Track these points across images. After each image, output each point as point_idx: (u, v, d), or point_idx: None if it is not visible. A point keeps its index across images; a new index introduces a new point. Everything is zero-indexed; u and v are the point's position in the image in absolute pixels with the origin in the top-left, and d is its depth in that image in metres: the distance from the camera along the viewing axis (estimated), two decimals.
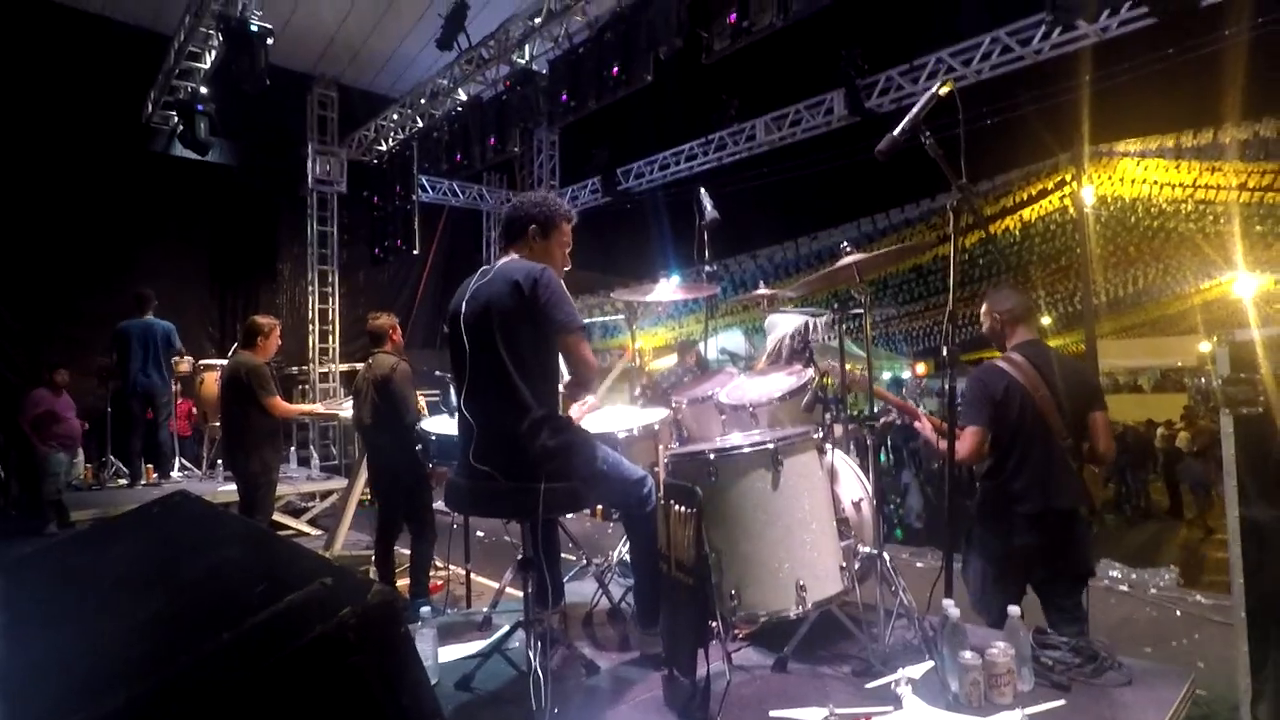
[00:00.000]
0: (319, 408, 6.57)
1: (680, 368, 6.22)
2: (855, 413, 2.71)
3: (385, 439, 4.19)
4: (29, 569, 1.65)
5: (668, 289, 3.40)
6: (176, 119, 8.44)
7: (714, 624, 2.22)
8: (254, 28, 6.77)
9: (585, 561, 3.52)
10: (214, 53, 7.70)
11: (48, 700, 1.05)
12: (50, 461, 6.87)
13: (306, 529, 6.71)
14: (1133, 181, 10.91)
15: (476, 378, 2.25)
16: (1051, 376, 2.65)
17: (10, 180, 7.78)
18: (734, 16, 5.87)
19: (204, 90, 8.10)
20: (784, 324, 3.32)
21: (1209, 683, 2.81)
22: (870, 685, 2.13)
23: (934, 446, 2.86)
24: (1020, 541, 2.61)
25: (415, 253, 10.14)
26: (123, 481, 6.92)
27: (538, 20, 7.31)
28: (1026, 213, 11.99)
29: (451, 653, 2.59)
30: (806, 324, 3.17)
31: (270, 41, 6.90)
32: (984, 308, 2.89)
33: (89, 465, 7.29)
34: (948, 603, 2.10)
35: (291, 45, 8.88)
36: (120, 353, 6.52)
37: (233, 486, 5.05)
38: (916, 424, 2.93)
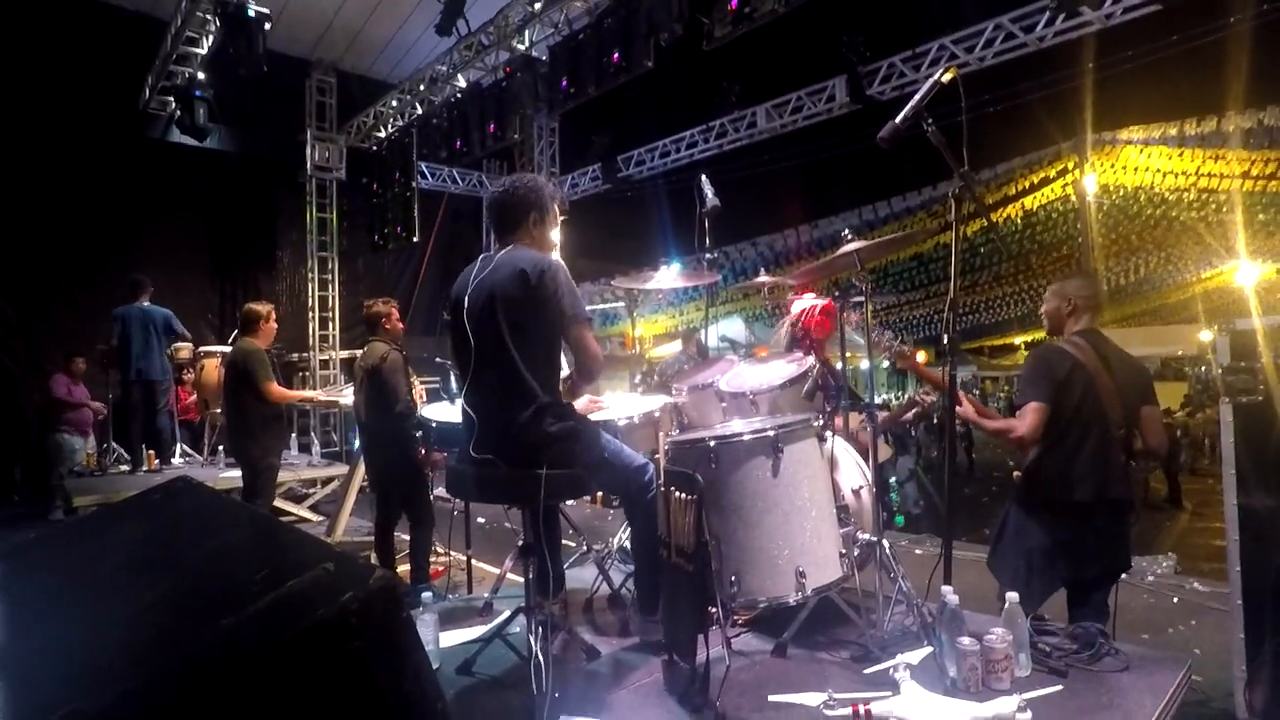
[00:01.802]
0: (319, 394, 6.57)
1: (683, 355, 6.22)
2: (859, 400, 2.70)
3: (378, 428, 4.20)
4: (33, 554, 1.65)
5: (668, 276, 3.40)
6: (174, 105, 8.38)
7: (714, 610, 2.23)
8: (251, 12, 6.71)
9: (586, 548, 3.54)
10: (211, 38, 7.63)
11: (51, 686, 1.05)
12: (64, 446, 6.87)
13: (308, 515, 6.73)
14: (1135, 169, 10.85)
15: (480, 366, 2.25)
16: (1112, 365, 2.60)
17: (6, 167, 7.73)
18: (735, 2, 5.83)
19: (201, 76, 8.03)
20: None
21: (1205, 669, 2.83)
22: (869, 671, 2.15)
23: (984, 429, 2.82)
24: (1070, 535, 2.55)
25: (415, 240, 10.11)
26: (124, 468, 6.93)
27: (537, 6, 7.25)
28: (1028, 201, 11.94)
29: (453, 638, 2.60)
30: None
31: (268, 26, 6.84)
32: (1054, 289, 2.82)
33: (90, 452, 7.30)
34: (946, 589, 2.10)
35: (289, 30, 8.79)
36: (119, 339, 6.52)
37: (235, 473, 5.06)
38: (957, 407, 2.87)
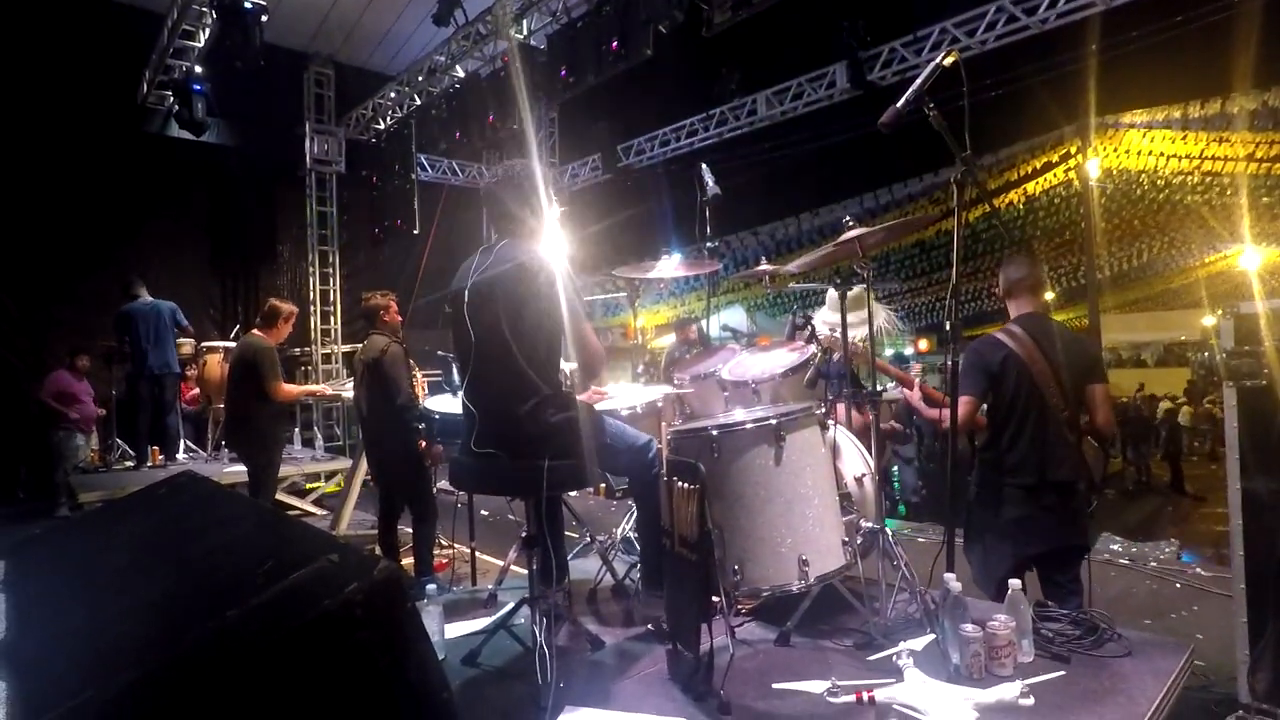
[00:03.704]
0: (326, 388, 6.58)
1: (678, 344, 6.20)
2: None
3: (380, 421, 4.19)
4: (39, 549, 1.67)
5: (669, 266, 3.39)
6: (172, 99, 8.35)
7: (717, 599, 2.24)
8: (247, 4, 6.66)
9: (589, 538, 3.54)
10: (208, 31, 7.59)
11: (58, 677, 1.06)
12: (66, 443, 6.91)
13: (311, 509, 6.76)
14: (1139, 153, 10.80)
15: (481, 359, 2.25)
16: (1050, 349, 2.62)
17: (6, 164, 7.72)
18: None
19: (199, 69, 8.00)
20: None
21: (1207, 653, 2.83)
22: (872, 658, 2.16)
23: (924, 416, 2.89)
24: (1016, 514, 2.60)
25: (416, 232, 10.09)
26: (129, 463, 6.96)
27: None
28: (1031, 186, 11.90)
29: (457, 629, 2.62)
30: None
31: (264, 19, 6.80)
32: (1000, 272, 2.85)
33: (95, 449, 7.33)
34: (949, 576, 2.11)
35: (286, 22, 8.75)
36: (130, 335, 6.53)
37: (238, 468, 5.07)
38: (905, 392, 2.94)
